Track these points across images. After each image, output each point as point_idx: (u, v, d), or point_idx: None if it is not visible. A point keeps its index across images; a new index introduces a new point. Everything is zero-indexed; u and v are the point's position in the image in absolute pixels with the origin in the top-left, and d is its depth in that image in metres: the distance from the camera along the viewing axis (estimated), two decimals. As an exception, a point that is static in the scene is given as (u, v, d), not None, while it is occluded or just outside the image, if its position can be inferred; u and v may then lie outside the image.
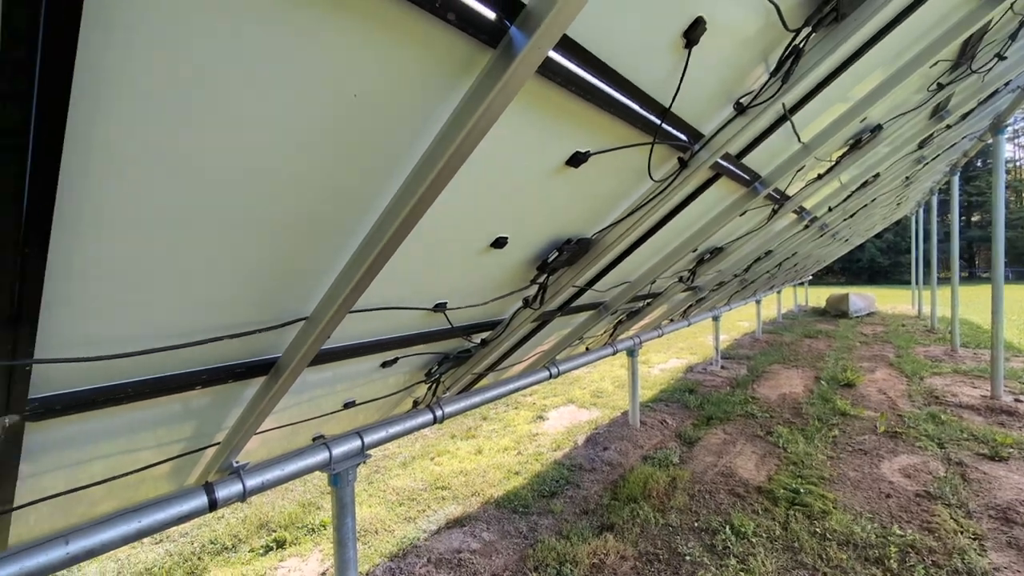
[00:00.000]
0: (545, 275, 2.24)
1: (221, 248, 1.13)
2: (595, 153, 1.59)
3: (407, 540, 3.52)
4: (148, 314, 1.19)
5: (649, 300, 4.38)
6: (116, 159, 0.82)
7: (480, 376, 3.25)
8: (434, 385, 2.83)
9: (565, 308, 3.00)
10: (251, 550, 3.50)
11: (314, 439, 2.51)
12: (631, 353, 5.47)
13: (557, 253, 2.09)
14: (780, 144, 2.61)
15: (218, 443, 2.01)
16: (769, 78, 1.76)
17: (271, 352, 1.66)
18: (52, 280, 0.91)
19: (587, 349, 4.69)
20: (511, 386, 3.34)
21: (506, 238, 1.80)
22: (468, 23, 0.91)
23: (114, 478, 1.69)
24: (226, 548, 3.54)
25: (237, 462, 2.03)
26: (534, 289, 2.37)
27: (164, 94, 0.77)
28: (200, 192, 0.97)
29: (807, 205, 4.47)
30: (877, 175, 4.65)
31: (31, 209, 0.74)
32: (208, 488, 1.88)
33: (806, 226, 5.16)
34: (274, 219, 1.14)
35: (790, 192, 3.56)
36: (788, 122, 2.24)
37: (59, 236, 0.84)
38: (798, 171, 2.97)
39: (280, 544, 3.56)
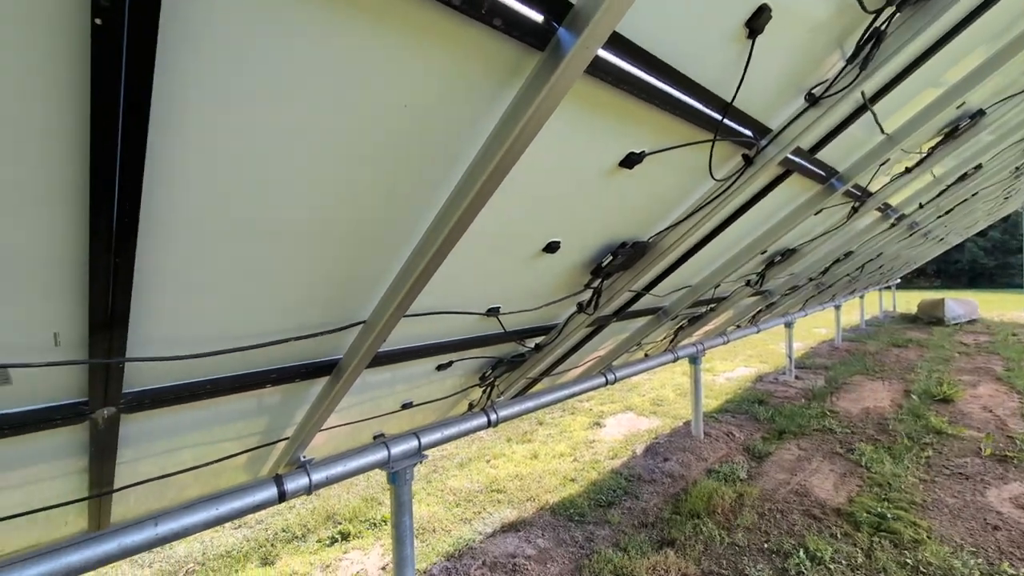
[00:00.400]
0: (599, 279, 2.20)
1: (287, 255, 1.20)
2: (650, 153, 1.53)
3: (463, 541, 3.56)
4: (223, 317, 1.28)
5: (713, 305, 4.17)
6: (192, 175, 0.89)
7: (534, 381, 3.24)
8: (488, 389, 2.85)
9: (621, 313, 2.93)
10: (318, 540, 3.69)
11: (375, 437, 2.60)
12: (693, 360, 5.23)
13: (612, 257, 2.04)
14: (860, 136, 2.39)
15: (287, 438, 2.14)
16: (845, 65, 1.62)
17: (333, 354, 1.75)
18: (139, 286, 1.00)
19: (646, 355, 4.54)
20: (566, 392, 3.30)
21: (558, 242, 1.78)
22: (515, 27, 0.91)
23: (197, 467, 1.84)
24: (296, 537, 3.75)
25: (304, 457, 2.15)
26: (588, 294, 2.33)
27: (234, 113, 0.83)
28: (268, 204, 1.03)
29: (893, 202, 4.08)
30: (979, 166, 4.16)
31: (120, 222, 0.82)
32: (278, 480, 2.00)
33: (892, 225, 4.71)
34: (333, 227, 1.19)
35: (872, 188, 3.26)
36: (868, 112, 2.06)
37: (144, 246, 0.93)
38: (882, 165, 2.72)
39: (344, 536, 3.72)
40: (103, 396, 1.21)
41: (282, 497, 1.98)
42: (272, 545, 3.64)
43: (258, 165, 0.94)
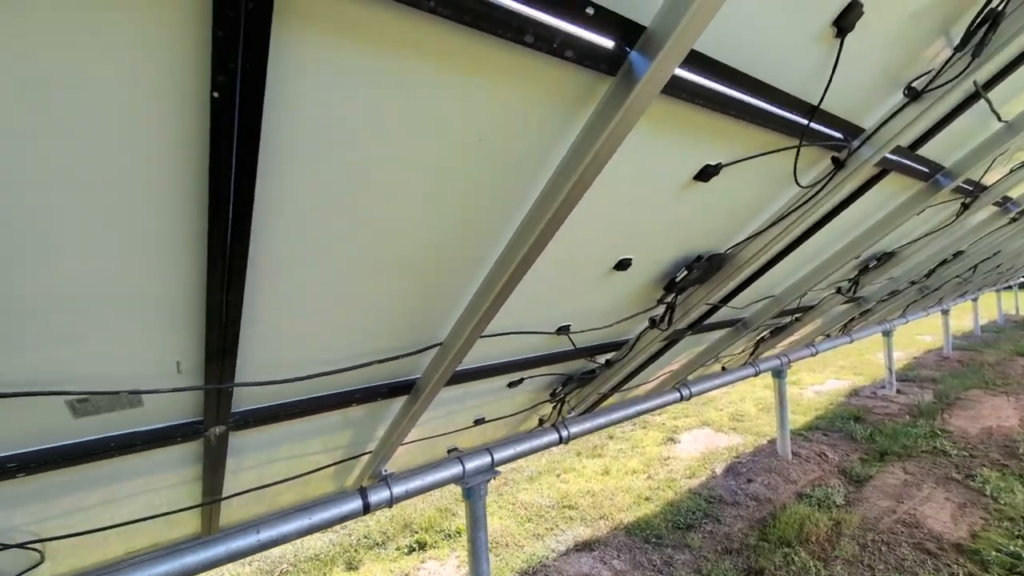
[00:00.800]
0: (673, 294, 2.12)
1: (372, 284, 1.27)
2: (727, 164, 1.46)
3: (536, 558, 3.54)
4: (315, 342, 1.38)
5: (798, 315, 3.88)
6: (290, 219, 0.97)
7: (605, 396, 3.17)
8: (559, 404, 2.83)
9: (696, 327, 2.80)
10: (397, 548, 3.83)
11: (448, 451, 2.67)
12: (777, 374, 4.87)
13: (686, 271, 1.96)
14: (971, 127, 2.14)
15: (370, 452, 2.25)
16: (953, 53, 1.46)
17: (411, 374, 1.82)
18: (245, 318, 1.11)
19: (723, 369, 4.30)
20: (638, 407, 3.20)
21: (630, 260, 1.74)
22: (586, 56, 0.91)
23: (292, 478, 1.98)
24: (377, 544, 3.91)
25: (386, 470, 2.25)
26: (661, 309, 2.25)
27: (326, 162, 0.90)
28: (355, 239, 1.10)
29: (1013, 194, 3.59)
30: None
31: (231, 265, 0.91)
32: (362, 493, 2.10)
33: (1013, 219, 4.14)
34: (414, 256, 1.25)
35: (987, 182, 2.89)
36: (981, 100, 1.83)
37: (251, 283, 1.02)
38: (999, 156, 2.41)
39: (421, 546, 3.83)
40: (215, 416, 1.35)
41: (366, 509, 2.08)
42: (355, 551, 3.82)
43: (347, 205, 1.01)
